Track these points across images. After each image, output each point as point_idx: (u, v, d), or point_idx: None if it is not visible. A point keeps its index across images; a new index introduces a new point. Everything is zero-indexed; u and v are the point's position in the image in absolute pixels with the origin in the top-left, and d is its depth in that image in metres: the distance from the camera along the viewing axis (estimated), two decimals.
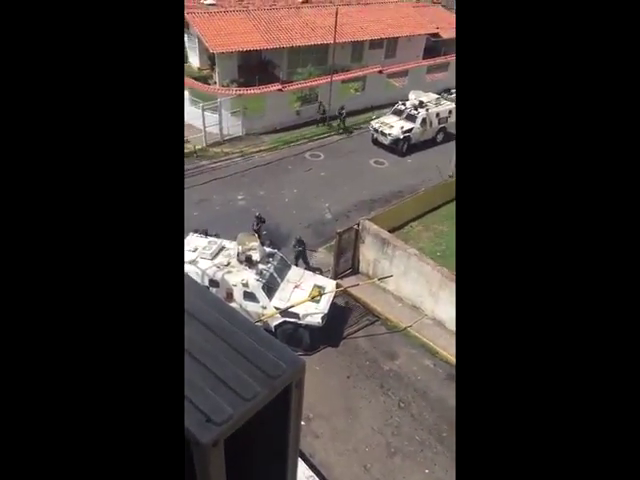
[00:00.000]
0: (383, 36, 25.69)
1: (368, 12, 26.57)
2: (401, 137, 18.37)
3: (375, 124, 19.15)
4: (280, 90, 19.90)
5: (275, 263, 10.92)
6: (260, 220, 13.21)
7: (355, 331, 11.20)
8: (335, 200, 15.66)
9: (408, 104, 19.31)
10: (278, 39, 22.82)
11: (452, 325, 11.19)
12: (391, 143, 18.46)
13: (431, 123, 19.11)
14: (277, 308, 10.31)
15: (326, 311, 10.43)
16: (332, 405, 9.44)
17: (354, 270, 12.87)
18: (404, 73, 24.08)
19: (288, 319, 10.31)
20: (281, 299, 10.44)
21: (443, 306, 11.21)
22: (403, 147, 18.51)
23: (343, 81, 21.92)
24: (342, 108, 20.33)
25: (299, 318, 10.28)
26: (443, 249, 13.70)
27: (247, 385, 1.83)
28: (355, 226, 12.41)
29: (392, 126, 18.64)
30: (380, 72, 22.77)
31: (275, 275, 10.73)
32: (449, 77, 25.32)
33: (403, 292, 11.98)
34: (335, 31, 19.99)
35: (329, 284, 11.13)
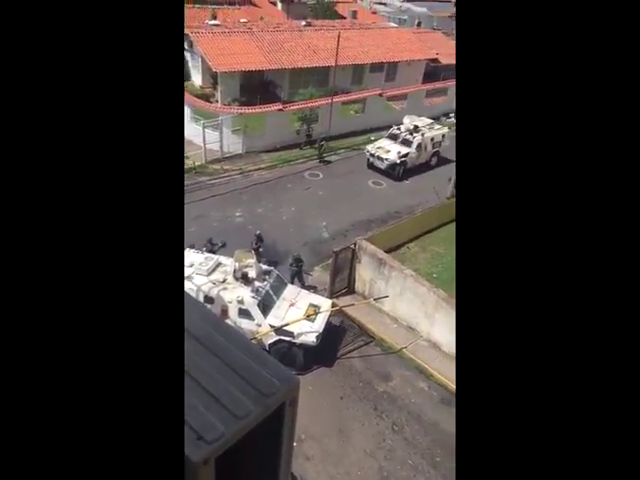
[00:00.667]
0: (383, 60, 26.17)
1: (369, 36, 27.11)
2: (398, 162, 18.48)
3: (371, 149, 19.19)
4: (281, 110, 20.14)
5: (271, 281, 10.89)
6: (259, 239, 13.23)
7: (349, 351, 11.11)
8: (333, 219, 15.71)
9: (403, 128, 19.52)
10: (280, 60, 23.20)
11: (447, 347, 11.12)
12: (388, 168, 18.57)
13: (426, 147, 19.35)
14: (272, 326, 10.25)
15: (321, 330, 10.37)
16: (324, 426, 9.30)
17: (350, 290, 12.83)
18: (403, 96, 24.46)
19: (283, 337, 10.23)
20: (276, 317, 10.38)
21: (438, 328, 11.16)
22: (400, 172, 18.65)
23: (343, 103, 22.23)
24: (323, 139, 20.18)
25: (294, 337, 10.20)
26: (439, 271, 13.71)
27: (240, 403, 1.82)
28: (352, 246, 12.43)
29: (389, 150, 18.78)
30: (380, 95, 23.12)
31: (271, 293, 10.69)
32: (447, 101, 25.72)
33: (399, 313, 11.94)
34: (337, 54, 20.36)
35: (325, 303, 11.08)
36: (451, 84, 26.24)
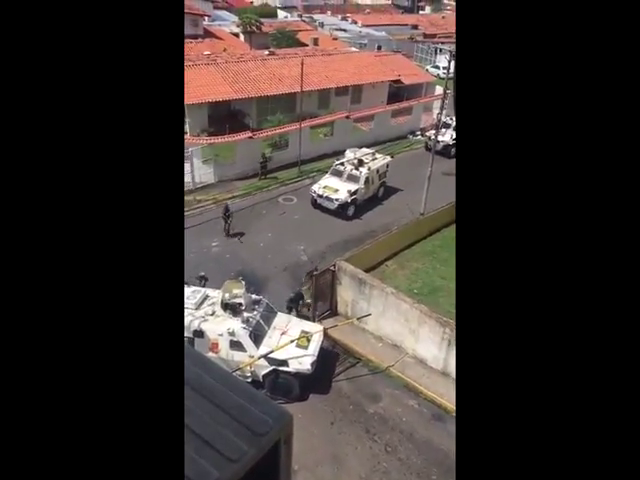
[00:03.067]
0: (348, 84, 26.77)
1: (332, 62, 27.76)
2: (349, 201, 17.15)
3: (317, 189, 17.63)
4: (251, 138, 20.27)
5: (261, 310, 10.71)
6: (227, 209, 15.70)
7: (337, 374, 11.00)
8: (310, 242, 15.74)
9: (346, 163, 18.22)
10: (246, 89, 23.48)
11: (434, 363, 11.13)
12: (338, 208, 17.15)
13: (373, 181, 18.26)
14: (265, 357, 10.02)
15: (315, 357, 10.21)
16: (317, 454, 9.11)
17: (332, 312, 12.79)
18: (370, 118, 24.99)
19: (277, 367, 10.03)
20: (269, 346, 10.18)
21: (423, 343, 11.18)
22: (349, 211, 17.35)
23: (312, 127, 22.55)
24: (264, 156, 19.74)
25: (288, 366, 10.01)
26: (419, 286, 13.82)
27: (233, 445, 1.77)
28: (331, 267, 12.43)
29: (337, 190, 17.32)
30: (347, 117, 23.57)
31: (262, 322, 10.50)
32: (413, 120, 26.39)
33: (383, 331, 11.93)
34: (302, 80, 20.74)
35: (316, 329, 10.95)
36: (415, 103, 26.97)
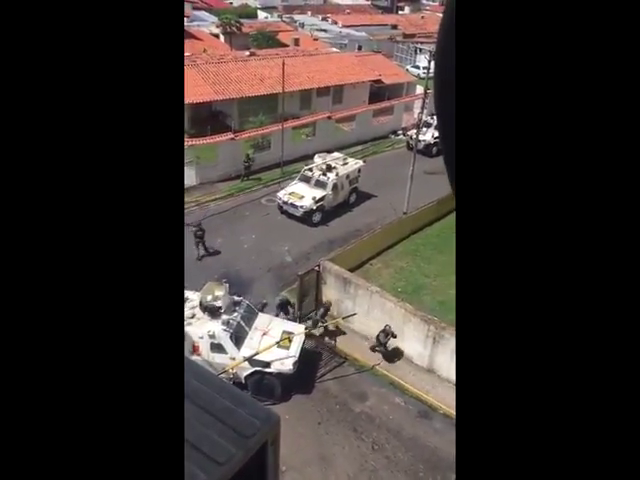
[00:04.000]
0: (329, 84, 26.83)
1: (313, 62, 27.79)
2: (314, 207, 16.57)
3: (283, 196, 17.11)
4: (232, 139, 20.17)
5: (242, 311, 10.67)
6: (199, 229, 14.15)
7: (323, 374, 11.01)
8: (294, 243, 15.73)
9: (315, 169, 17.65)
10: (228, 91, 23.35)
11: (419, 360, 11.23)
12: (304, 215, 16.61)
13: (342, 186, 17.60)
14: (247, 359, 10.00)
15: (297, 357, 10.22)
16: (304, 455, 9.11)
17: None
18: (352, 118, 25.08)
19: (258, 368, 10.02)
20: (250, 348, 10.16)
21: (408, 342, 11.27)
22: (314, 218, 16.78)
23: (294, 128, 22.53)
24: (247, 157, 19.57)
25: (269, 366, 10.01)
26: (404, 285, 13.93)
27: (220, 448, 1.76)
28: (316, 267, 12.45)
29: (302, 196, 16.76)
30: (329, 118, 23.62)
31: (242, 324, 10.46)
32: (394, 120, 26.57)
33: (368, 330, 11.99)
34: (283, 81, 20.71)
35: (298, 329, 10.96)
36: (396, 103, 27.16)
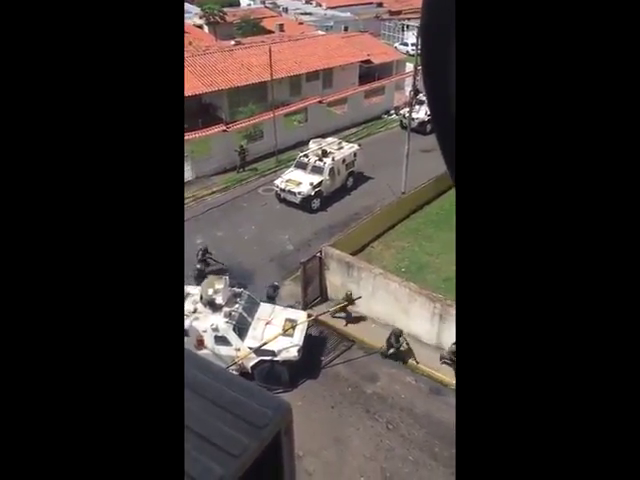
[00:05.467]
0: (318, 68, 26.52)
1: (300, 47, 27.42)
2: (312, 194, 16.51)
3: (280, 183, 17.11)
4: (225, 131, 20.02)
5: (243, 302, 10.75)
6: (205, 252, 13.24)
7: (333, 359, 11.08)
8: (294, 231, 15.70)
9: (311, 155, 17.56)
10: (216, 82, 23.10)
11: (427, 338, 11.28)
12: (302, 202, 16.61)
13: (339, 171, 17.53)
14: (251, 348, 10.10)
15: (301, 343, 10.30)
16: (320, 439, 9.21)
17: (323, 298, 12.83)
18: (343, 100, 24.84)
19: (264, 358, 10.10)
20: (254, 338, 10.24)
21: (415, 320, 11.31)
22: (313, 204, 16.74)
23: (286, 115, 22.34)
24: (242, 148, 19.42)
25: (275, 355, 10.09)
26: (407, 264, 13.93)
27: (234, 440, 1.76)
28: (318, 254, 12.44)
29: (300, 183, 16.73)
30: (320, 102, 23.39)
31: (245, 315, 10.55)
32: (386, 100, 26.32)
33: (374, 312, 12.03)
34: (271, 68, 20.47)
35: (301, 316, 11.03)
36: (387, 83, 26.87)
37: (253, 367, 10.19)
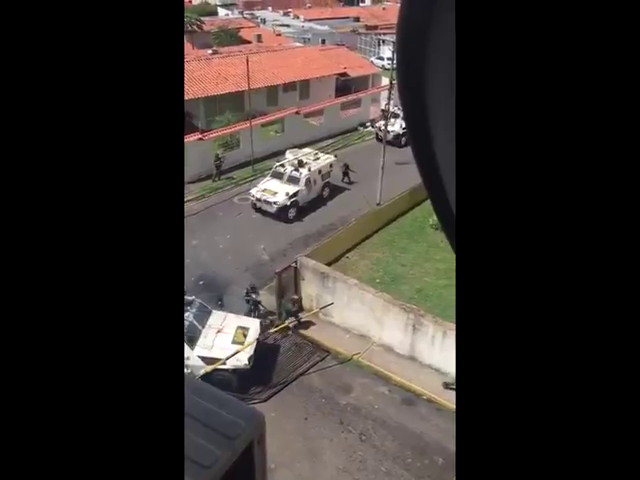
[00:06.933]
0: (295, 79, 26.71)
1: (278, 58, 27.59)
2: (288, 203, 16.57)
3: (256, 193, 17.10)
4: (201, 139, 19.88)
5: (194, 310, 10.63)
6: (253, 291, 12.19)
7: (307, 369, 11.03)
8: (270, 241, 15.64)
9: (287, 165, 17.68)
10: (192, 90, 22.96)
11: (401, 349, 11.36)
12: (278, 211, 16.62)
13: (315, 182, 17.65)
14: (200, 357, 10.01)
15: (252, 352, 10.29)
16: (293, 450, 9.12)
17: (298, 308, 12.79)
18: (320, 112, 25.05)
19: (215, 366, 10.03)
20: (204, 347, 10.19)
21: (389, 331, 11.39)
22: (289, 214, 16.77)
23: (262, 125, 22.36)
24: (217, 157, 19.49)
25: (225, 363, 10.06)
26: (381, 275, 14.04)
27: (205, 451, 1.74)
28: (293, 264, 12.42)
29: (276, 192, 16.79)
30: (297, 113, 23.52)
31: (195, 323, 10.43)
32: (362, 112, 26.67)
33: (349, 323, 12.05)
34: (248, 78, 20.50)
35: (253, 324, 11.03)
36: (363, 95, 27.26)
37: (202, 376, 10.07)
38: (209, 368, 9.90)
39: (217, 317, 10.94)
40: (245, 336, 10.47)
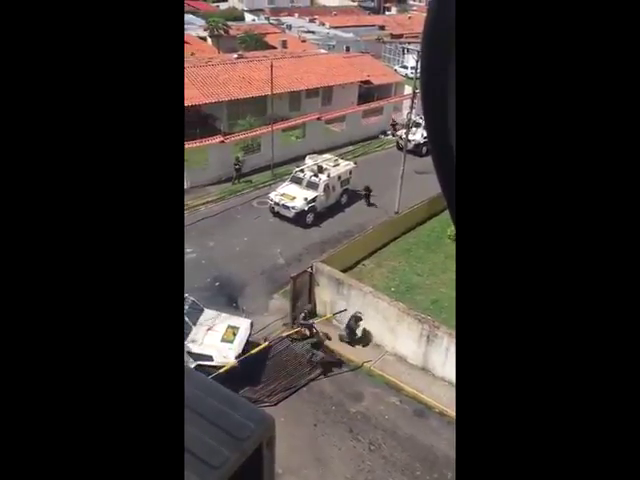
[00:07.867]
0: (318, 85, 26.85)
1: (302, 64, 27.79)
2: (306, 209, 16.61)
3: (274, 197, 17.22)
4: (222, 142, 20.10)
5: (186, 308, 10.76)
6: (309, 314, 12.09)
7: (318, 375, 10.99)
8: (286, 245, 15.69)
9: (306, 170, 17.81)
10: (216, 93, 23.27)
11: (414, 359, 11.25)
12: (296, 216, 16.67)
13: (334, 188, 17.75)
14: (190, 353, 10.10)
15: (240, 350, 10.36)
16: (301, 457, 9.08)
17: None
18: (342, 118, 25.11)
19: (202, 363, 10.12)
20: (194, 343, 10.32)
21: (403, 341, 11.28)
22: (308, 219, 16.83)
23: (284, 130, 22.51)
24: (237, 160, 19.56)
25: (212, 360, 10.16)
26: (397, 284, 13.94)
27: (215, 451, 1.74)
28: (308, 269, 12.43)
29: (294, 197, 16.87)
30: (318, 119, 23.62)
31: (186, 320, 10.56)
32: (384, 120, 26.64)
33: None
34: (272, 83, 20.69)
35: (244, 323, 11.12)
36: (385, 103, 27.24)
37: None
38: (193, 364, 10.04)
39: (208, 315, 11.12)
40: (235, 335, 10.61)
